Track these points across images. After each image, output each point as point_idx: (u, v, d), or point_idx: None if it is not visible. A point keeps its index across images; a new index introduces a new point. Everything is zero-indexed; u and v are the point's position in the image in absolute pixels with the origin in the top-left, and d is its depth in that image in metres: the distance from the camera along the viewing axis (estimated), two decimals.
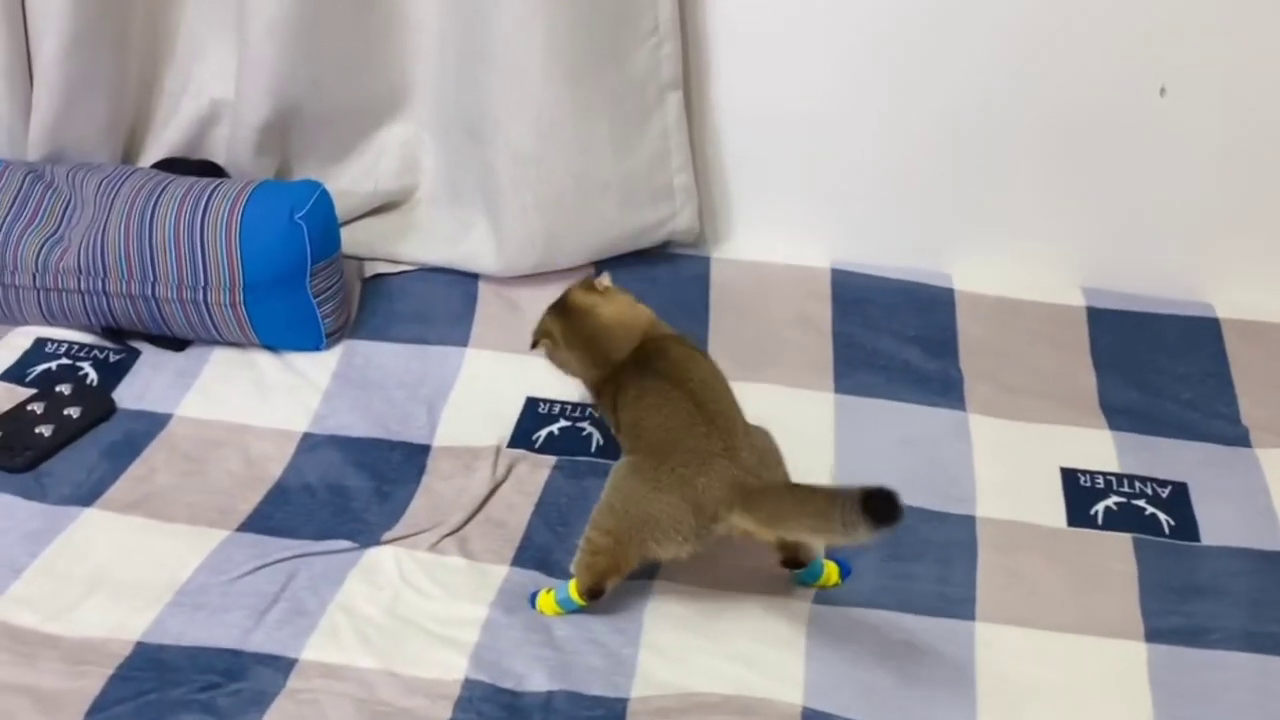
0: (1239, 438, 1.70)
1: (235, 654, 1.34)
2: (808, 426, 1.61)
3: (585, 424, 1.70)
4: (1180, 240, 1.89)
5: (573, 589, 1.36)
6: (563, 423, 1.70)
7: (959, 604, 1.46)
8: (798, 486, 1.31)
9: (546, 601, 1.38)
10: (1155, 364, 1.79)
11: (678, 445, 1.32)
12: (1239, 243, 1.88)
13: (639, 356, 1.43)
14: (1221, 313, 1.83)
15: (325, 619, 1.38)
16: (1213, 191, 1.85)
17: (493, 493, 1.59)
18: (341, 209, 1.78)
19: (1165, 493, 1.63)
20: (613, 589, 1.35)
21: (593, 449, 1.66)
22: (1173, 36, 1.77)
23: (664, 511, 1.30)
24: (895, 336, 1.78)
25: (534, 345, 1.54)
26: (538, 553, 1.50)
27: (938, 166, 1.90)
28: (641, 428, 1.38)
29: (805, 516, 1.26)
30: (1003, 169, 1.88)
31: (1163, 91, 1.77)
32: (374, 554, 1.45)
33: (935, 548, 1.47)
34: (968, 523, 1.51)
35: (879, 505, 1.19)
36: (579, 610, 1.37)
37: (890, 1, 1.82)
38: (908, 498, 1.52)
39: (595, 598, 1.35)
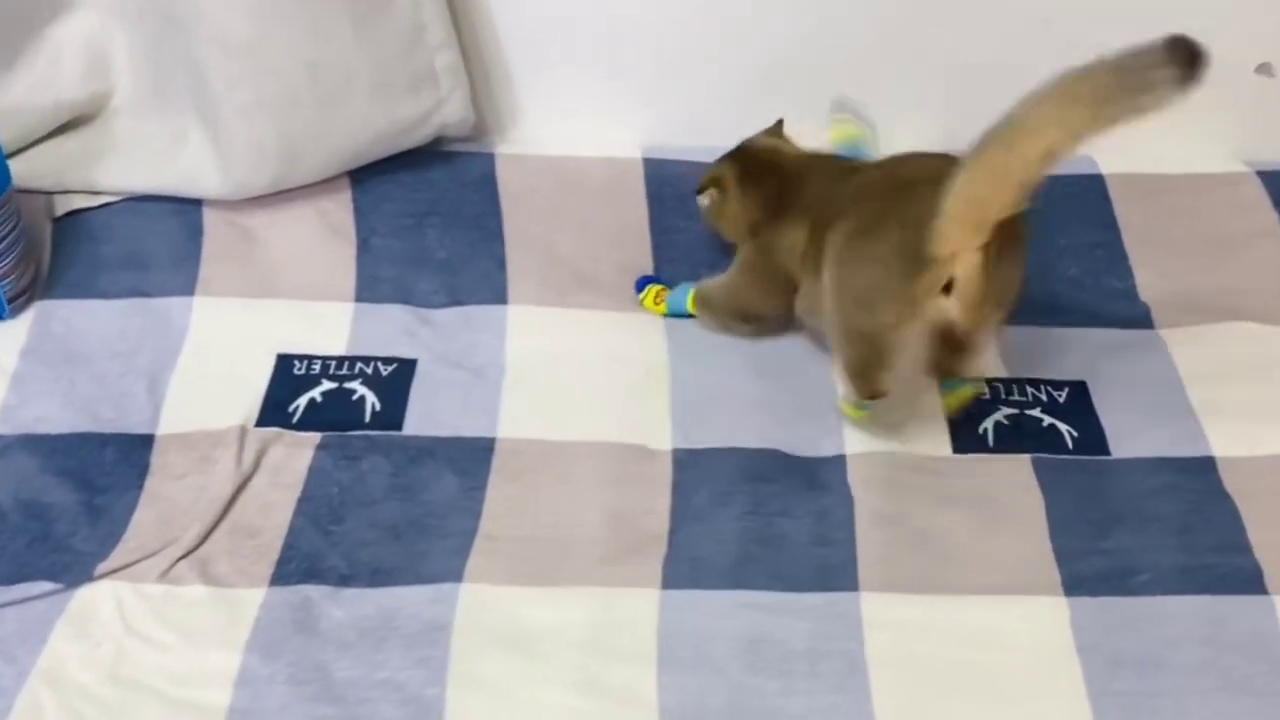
0: (1139, 317, 1.52)
1: None
2: (635, 354, 1.45)
3: (357, 383, 1.40)
4: None
5: (690, 303, 1.47)
6: (327, 384, 1.41)
7: (838, 572, 1.25)
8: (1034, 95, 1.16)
9: (654, 304, 1.48)
10: (1032, 236, 1.56)
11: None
12: None
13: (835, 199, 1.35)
14: (1106, 168, 1.61)
15: (22, 698, 1.12)
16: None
17: (240, 490, 1.31)
18: (12, 131, 1.53)
19: (1062, 396, 1.45)
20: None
21: (367, 417, 1.36)
22: None
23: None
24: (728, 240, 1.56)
25: (699, 192, 1.45)
26: (305, 563, 1.26)
27: (770, 22, 1.66)
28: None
29: (1095, 103, 1.13)
30: (846, 20, 1.66)
31: None
32: (86, 595, 1.21)
33: (806, 499, 1.31)
34: (838, 465, 1.35)
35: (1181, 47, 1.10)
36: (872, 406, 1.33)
37: None
38: (765, 438, 1.33)
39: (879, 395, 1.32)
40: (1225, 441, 1.38)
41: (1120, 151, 1.70)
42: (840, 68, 1.71)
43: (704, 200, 1.46)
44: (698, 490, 1.31)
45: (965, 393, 1.38)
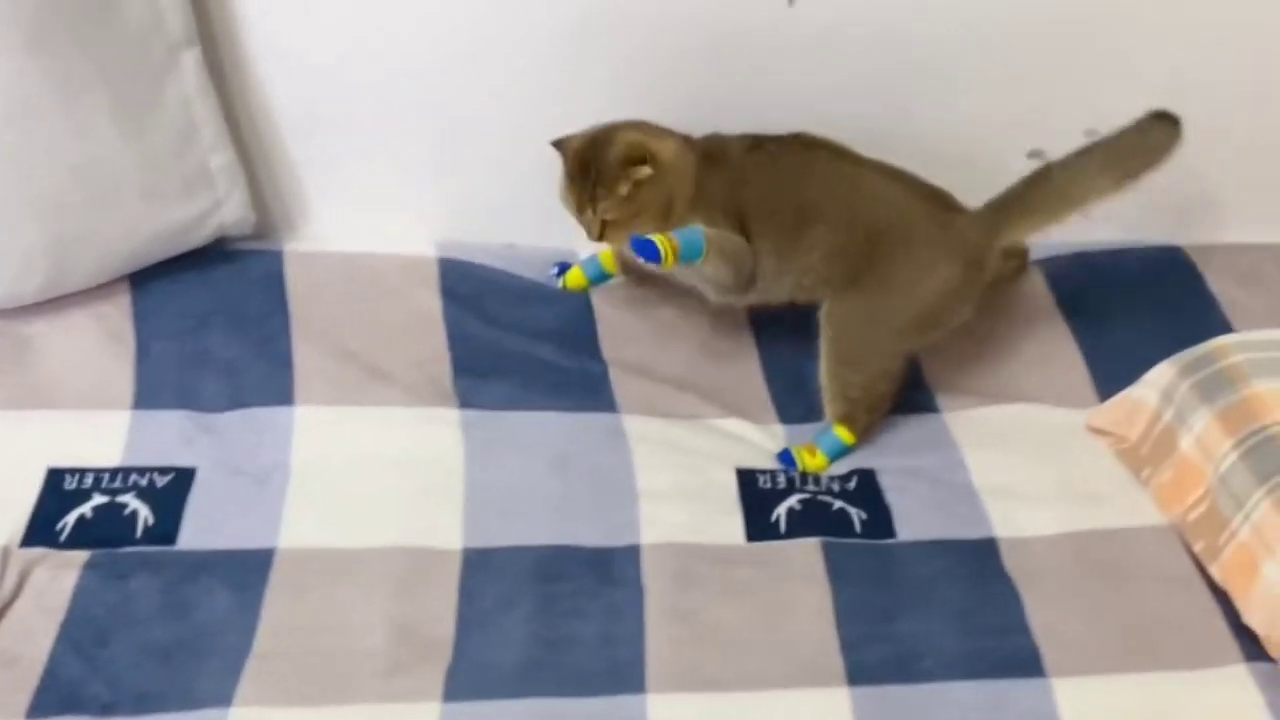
0: (923, 401, 1.56)
1: None
2: (429, 455, 1.42)
3: (129, 496, 1.36)
4: None
5: (844, 434, 1.46)
6: (98, 499, 1.36)
7: (626, 673, 1.24)
8: (1039, 171, 1.48)
9: (813, 459, 1.45)
10: None
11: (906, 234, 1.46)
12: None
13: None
14: None
15: None
16: None
17: (0, 617, 1.23)
18: None
19: (852, 482, 1.47)
20: None
21: (139, 532, 1.33)
22: None
23: (934, 299, 1.46)
24: (524, 331, 1.58)
25: (631, 163, 1.43)
26: (65, 692, 1.20)
27: (558, 115, 1.63)
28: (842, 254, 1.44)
29: (1089, 179, 1.45)
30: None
31: None
32: None
33: (597, 596, 1.29)
34: (631, 557, 1.34)
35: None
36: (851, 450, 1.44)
37: None
38: (559, 533, 1.36)
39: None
40: (1005, 523, 1.42)
41: None
42: None
43: (642, 171, 1.43)
44: (485, 593, 1.29)
45: (839, 445, 1.48)
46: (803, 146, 1.48)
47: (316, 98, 1.65)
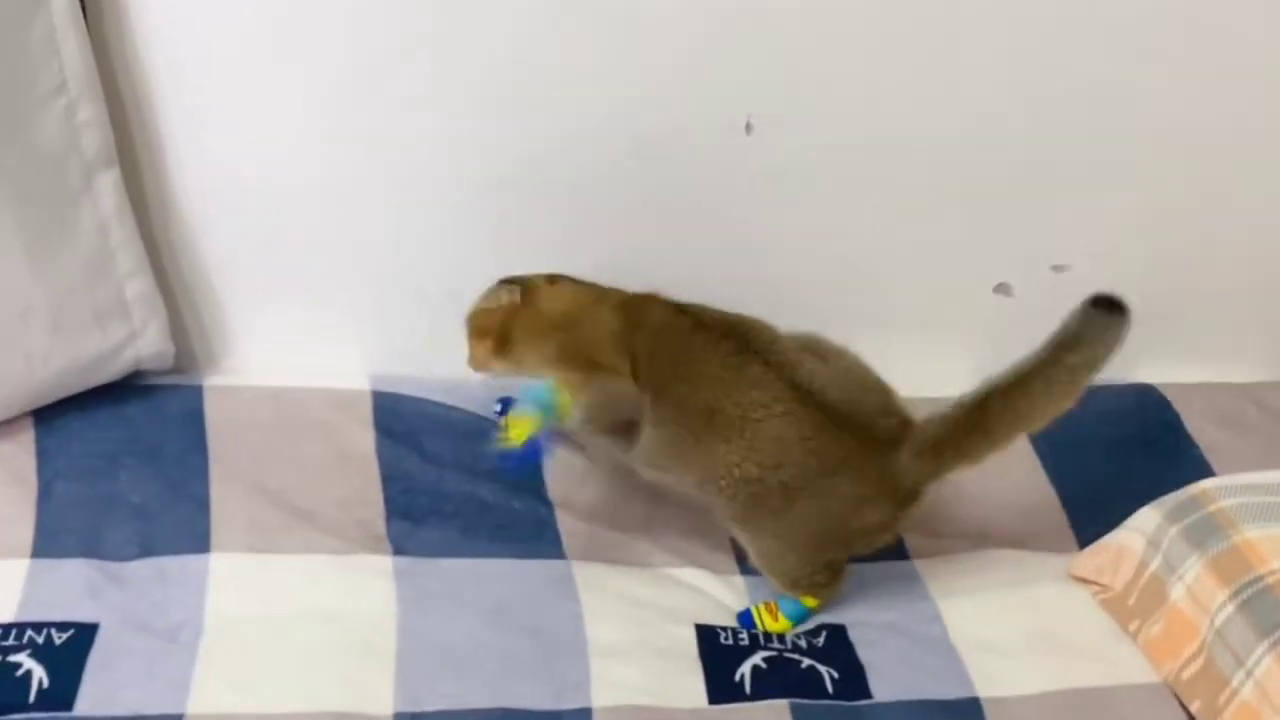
0: (893, 548, 1.46)
1: None
2: (358, 608, 1.34)
3: (23, 655, 1.28)
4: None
5: (805, 599, 1.38)
6: None
7: None
8: (977, 396, 1.32)
9: (774, 622, 1.38)
10: None
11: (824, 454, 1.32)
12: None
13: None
14: None
15: None
16: None
17: None
18: None
19: (820, 638, 1.39)
20: None
21: (32, 696, 1.24)
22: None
23: (863, 522, 1.35)
24: (465, 470, 1.51)
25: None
26: None
27: (500, 245, 1.59)
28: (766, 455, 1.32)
29: (1031, 398, 1.31)
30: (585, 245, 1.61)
31: None
32: None
33: None
34: (584, 715, 1.27)
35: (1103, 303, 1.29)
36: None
37: (384, 34, 1.50)
38: (501, 695, 1.27)
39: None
40: (986, 681, 1.34)
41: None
42: None
43: (504, 296, 1.39)
44: None
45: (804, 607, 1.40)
46: (736, 347, 1.33)
47: (243, 223, 1.57)
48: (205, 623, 1.32)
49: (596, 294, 1.39)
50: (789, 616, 1.38)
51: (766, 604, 1.38)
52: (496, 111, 1.54)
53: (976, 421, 1.31)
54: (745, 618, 1.38)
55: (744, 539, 1.38)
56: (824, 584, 1.38)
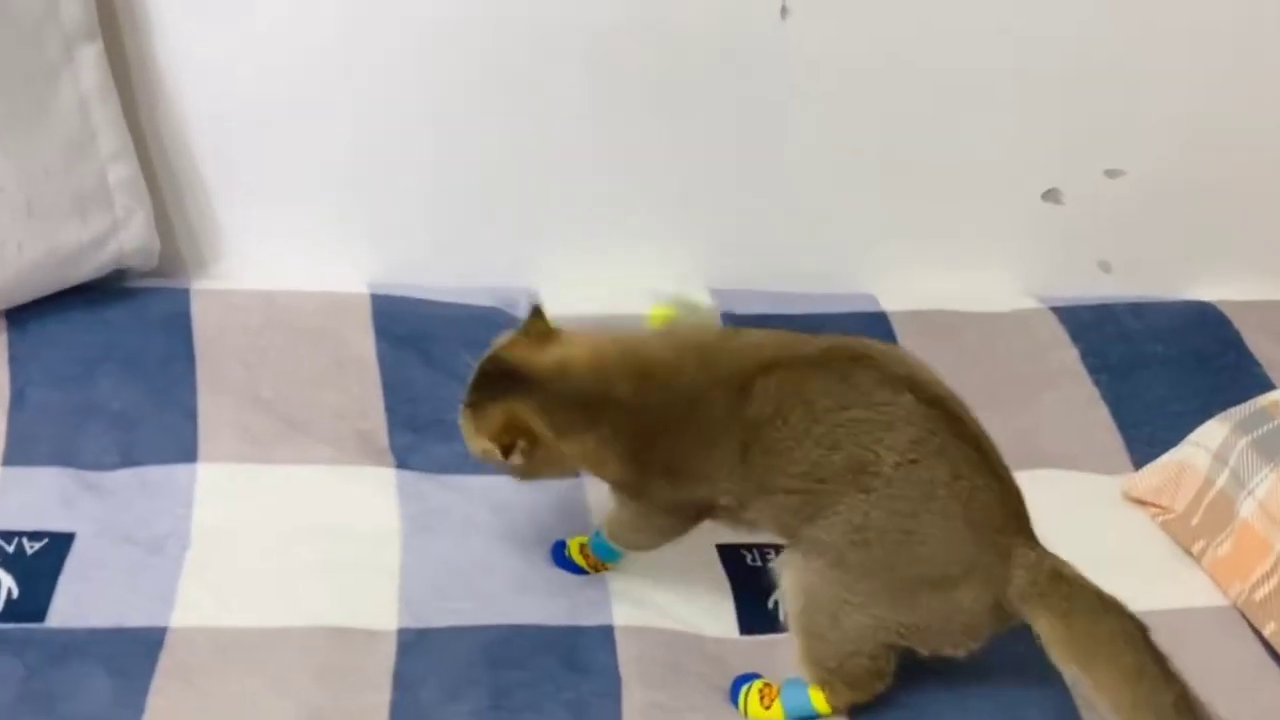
0: None
1: None
2: (359, 522, 1.27)
3: None
4: None
5: (819, 700, 1.12)
6: None
7: None
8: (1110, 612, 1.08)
9: (762, 708, 1.12)
10: None
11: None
12: None
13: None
14: (889, 304, 1.61)
15: None
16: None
17: None
18: None
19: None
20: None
21: (0, 606, 1.16)
22: None
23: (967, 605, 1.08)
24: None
25: (501, 449, 1.10)
26: None
27: (501, 153, 1.54)
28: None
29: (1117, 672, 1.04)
30: (614, 166, 1.56)
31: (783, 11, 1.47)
32: None
33: (561, 686, 1.15)
34: (604, 640, 1.18)
35: None
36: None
37: None
38: (513, 612, 1.20)
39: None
40: None
41: (903, 287, 1.61)
42: (586, 207, 1.59)
43: (514, 459, 1.10)
44: (425, 681, 1.13)
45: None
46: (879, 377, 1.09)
47: (235, 112, 1.49)
48: (192, 534, 1.25)
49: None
50: (788, 708, 1.13)
51: (764, 684, 1.15)
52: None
53: (1084, 613, 1.08)
54: (735, 689, 1.15)
55: (790, 580, 1.12)
56: (861, 681, 1.12)
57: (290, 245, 1.53)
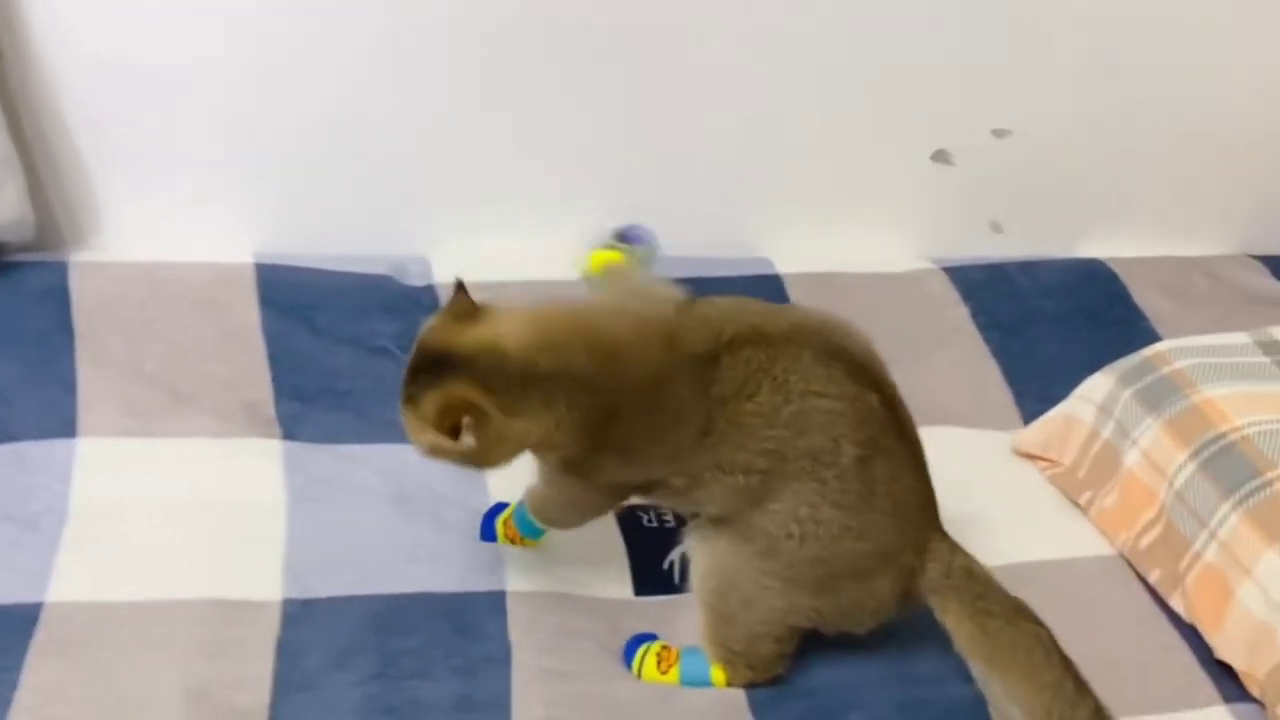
0: None
1: None
2: (243, 494, 1.25)
3: None
4: None
5: (718, 675, 1.12)
6: None
7: None
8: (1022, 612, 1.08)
9: (659, 672, 1.11)
10: None
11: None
12: None
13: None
14: (783, 267, 1.61)
15: None
16: None
17: None
18: None
19: None
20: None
21: None
22: None
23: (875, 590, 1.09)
24: (361, 347, 1.42)
25: (454, 436, 1.03)
26: None
27: (390, 117, 1.51)
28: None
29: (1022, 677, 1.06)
30: (503, 130, 1.54)
31: None
32: None
33: (451, 653, 1.13)
34: (495, 605, 1.17)
35: None
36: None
37: None
38: (403, 579, 1.18)
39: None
40: None
41: (797, 250, 1.61)
42: (475, 174, 1.56)
43: (466, 441, 1.03)
44: (310, 651, 1.12)
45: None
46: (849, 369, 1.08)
47: (111, 82, 1.45)
48: (70, 510, 1.22)
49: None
50: (685, 677, 1.13)
51: (663, 647, 1.14)
52: None
53: (997, 617, 1.08)
54: (629, 649, 1.14)
55: (705, 559, 1.11)
56: (764, 663, 1.12)
57: (173, 216, 1.50)
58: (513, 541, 1.22)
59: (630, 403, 1.06)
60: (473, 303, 1.07)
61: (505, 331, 1.05)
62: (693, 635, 1.16)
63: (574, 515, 1.17)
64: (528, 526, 1.21)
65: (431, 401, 1.04)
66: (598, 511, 1.18)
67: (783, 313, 1.13)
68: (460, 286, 1.08)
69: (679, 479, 1.09)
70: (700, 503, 1.11)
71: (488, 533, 1.23)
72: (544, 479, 1.15)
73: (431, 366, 1.05)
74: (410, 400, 1.05)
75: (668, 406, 1.07)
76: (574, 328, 1.07)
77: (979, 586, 1.10)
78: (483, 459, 1.07)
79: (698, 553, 1.13)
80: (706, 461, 1.08)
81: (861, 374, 1.09)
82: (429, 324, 1.08)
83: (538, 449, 1.10)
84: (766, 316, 1.11)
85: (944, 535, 1.13)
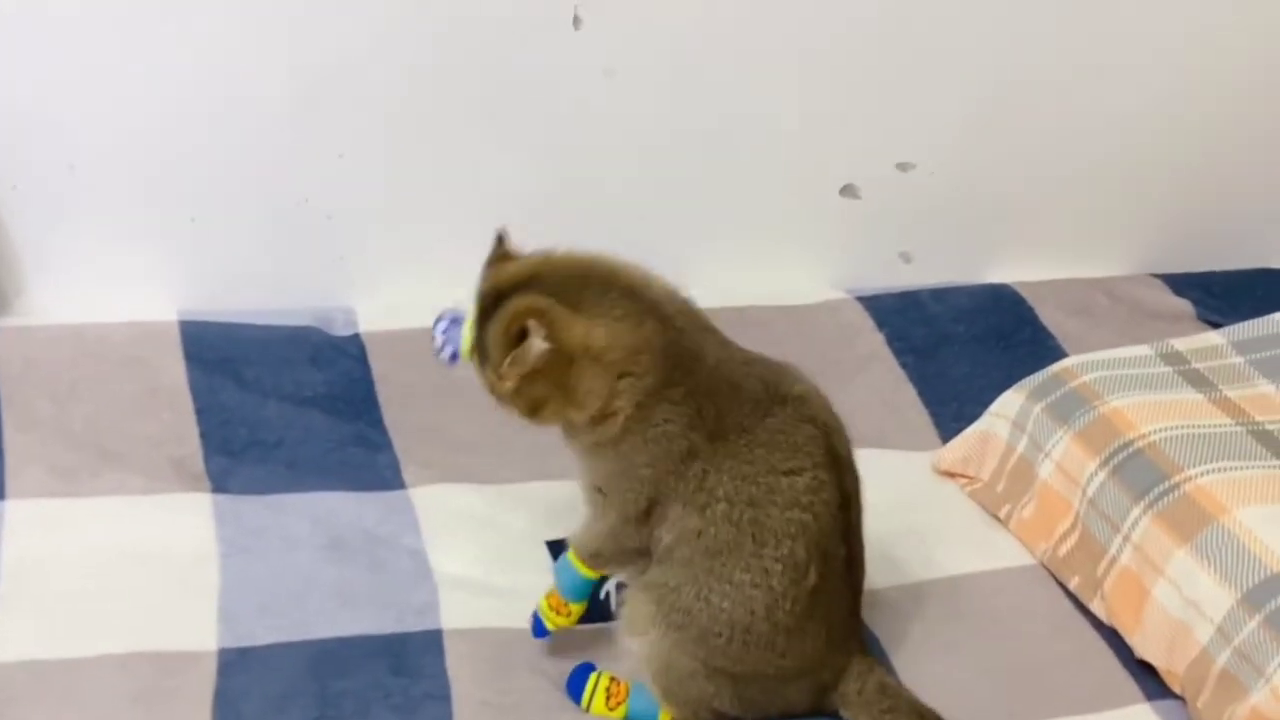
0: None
1: None
2: (174, 548, 1.24)
3: None
4: None
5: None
6: None
7: None
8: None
9: (607, 707, 1.12)
10: None
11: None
12: None
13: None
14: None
15: None
16: None
17: None
18: None
19: None
20: None
21: None
22: None
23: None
24: (287, 398, 1.42)
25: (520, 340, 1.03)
26: None
27: (307, 169, 1.51)
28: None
29: None
30: (423, 178, 1.55)
31: None
32: None
33: (391, 693, 1.13)
34: (432, 644, 1.17)
35: None
36: None
37: None
38: (339, 623, 1.17)
39: None
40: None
41: (715, 284, 1.63)
42: (397, 223, 1.57)
43: (537, 346, 1.03)
44: (247, 698, 1.11)
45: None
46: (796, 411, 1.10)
47: (26, 146, 1.44)
48: (1, 571, 1.19)
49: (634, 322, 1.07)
50: (633, 714, 1.14)
51: (612, 680, 1.15)
52: (303, 11, 1.44)
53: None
54: (574, 679, 1.15)
55: (656, 643, 1.11)
56: (711, 715, 1.13)
57: (95, 277, 1.48)
58: (557, 611, 1.15)
59: (707, 376, 1.07)
60: (509, 249, 1.10)
61: (551, 256, 1.08)
62: (630, 664, 1.16)
63: (610, 545, 1.13)
64: (571, 585, 1.15)
65: (496, 325, 1.04)
66: (630, 542, 1.12)
67: (756, 368, 1.13)
68: (500, 238, 1.11)
69: (668, 534, 1.09)
70: (660, 562, 1.11)
71: (539, 630, 1.18)
72: (589, 503, 1.14)
73: (490, 309, 1.06)
74: (478, 346, 1.06)
75: (720, 379, 1.07)
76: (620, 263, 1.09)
77: (889, 701, 1.12)
78: (558, 377, 1.04)
79: (640, 637, 1.13)
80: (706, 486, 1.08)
81: (832, 456, 1.11)
82: (478, 280, 1.09)
83: (601, 379, 1.05)
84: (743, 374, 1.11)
85: (864, 655, 1.15)
